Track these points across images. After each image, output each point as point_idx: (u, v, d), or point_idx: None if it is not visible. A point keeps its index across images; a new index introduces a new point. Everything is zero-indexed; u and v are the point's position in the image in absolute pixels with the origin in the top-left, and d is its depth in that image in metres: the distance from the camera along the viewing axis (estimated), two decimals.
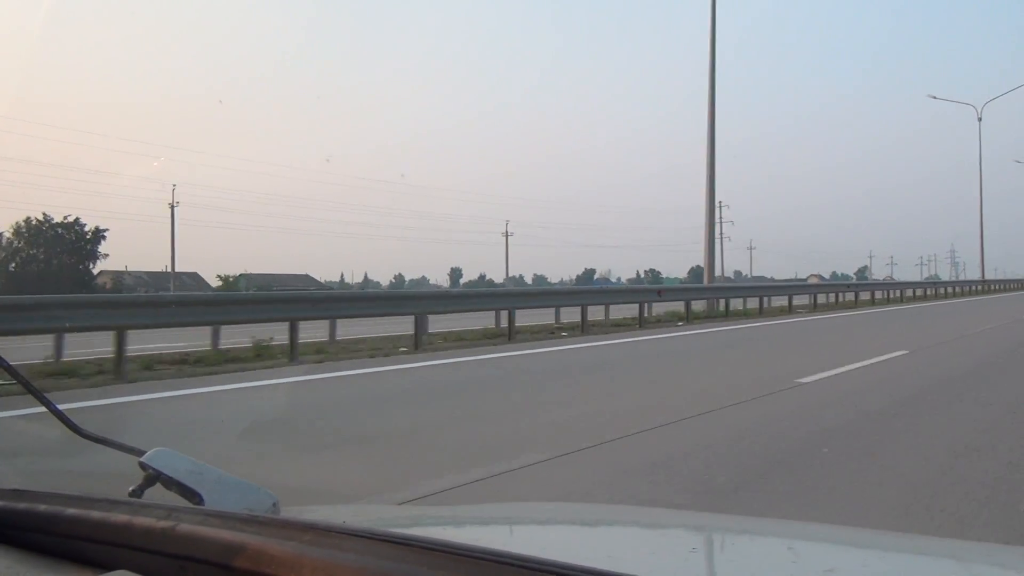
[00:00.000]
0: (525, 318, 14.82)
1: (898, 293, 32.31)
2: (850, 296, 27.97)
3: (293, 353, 9.92)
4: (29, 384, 1.04)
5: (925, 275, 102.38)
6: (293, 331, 10.04)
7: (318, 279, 71.31)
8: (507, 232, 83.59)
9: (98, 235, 50.23)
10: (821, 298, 25.32)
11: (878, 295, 30.34)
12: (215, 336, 11.87)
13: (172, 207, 53.80)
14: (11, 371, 1.07)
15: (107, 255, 51.57)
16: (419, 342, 11.48)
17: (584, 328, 14.65)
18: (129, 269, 58.92)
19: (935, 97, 51.52)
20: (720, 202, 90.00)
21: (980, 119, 47.80)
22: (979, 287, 44.58)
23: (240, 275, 59.84)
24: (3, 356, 1.05)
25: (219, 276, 57.38)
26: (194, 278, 62.64)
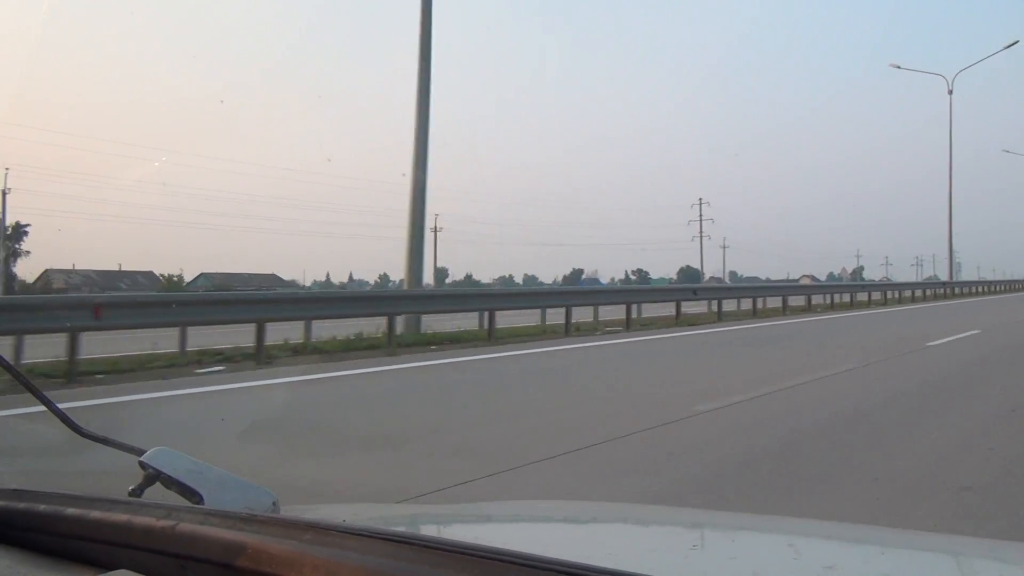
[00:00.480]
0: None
1: (877, 295, 29.15)
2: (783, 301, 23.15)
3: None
4: (29, 383, 1.04)
5: (922, 275, 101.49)
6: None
7: (284, 278, 68.32)
8: (436, 228, 75.72)
9: (19, 231, 47.59)
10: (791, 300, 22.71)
11: (823, 299, 26.24)
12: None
13: (3, 192, 47.13)
14: (11, 370, 1.07)
15: (29, 252, 48.84)
16: None
17: (259, 357, 9.68)
18: (77, 267, 56.25)
19: (899, 67, 44.71)
20: (700, 199, 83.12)
21: (951, 91, 41.79)
22: (945, 291, 37.28)
23: (199, 275, 58.36)
24: (2, 355, 1.05)
25: (162, 276, 54.08)
26: (148, 277, 60.33)
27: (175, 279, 52.11)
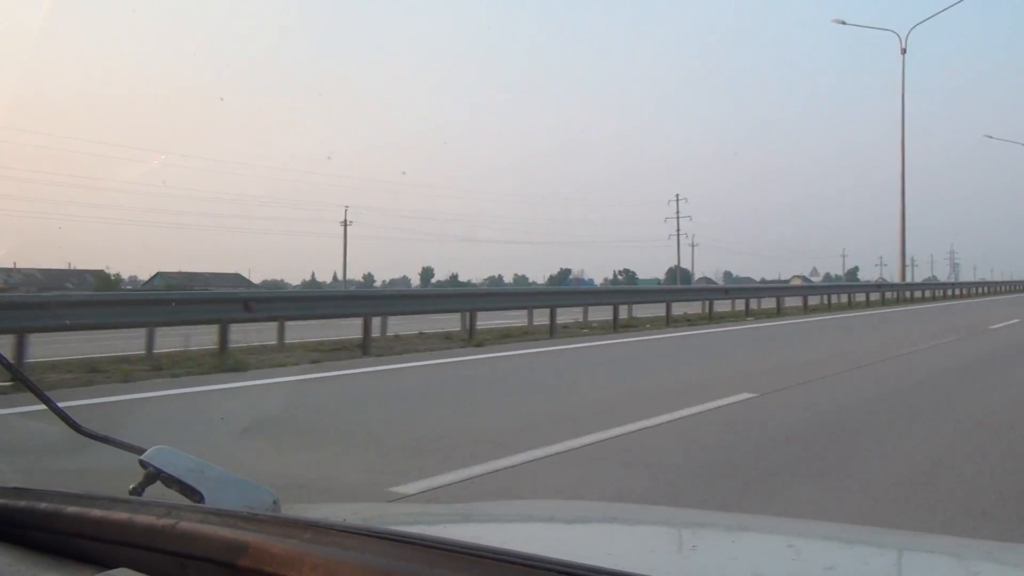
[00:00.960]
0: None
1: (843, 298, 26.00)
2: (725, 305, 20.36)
3: None
4: (29, 381, 1.04)
5: (919, 276, 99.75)
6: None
7: (248, 278, 64.45)
8: (346, 221, 65.07)
9: None
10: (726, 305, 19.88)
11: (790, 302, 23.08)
12: None
13: None
14: (11, 369, 1.08)
15: None
16: None
17: None
18: (18, 266, 51.41)
19: (844, 23, 38.57)
20: (677, 195, 78.29)
21: (904, 50, 35.85)
22: (894, 294, 30.31)
23: (156, 274, 56.58)
24: (2, 354, 1.05)
25: (94, 273, 50.84)
26: (99, 276, 56.31)
27: (112, 278, 49.60)
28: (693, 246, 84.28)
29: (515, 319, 16.39)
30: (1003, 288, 49.91)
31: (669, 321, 16.75)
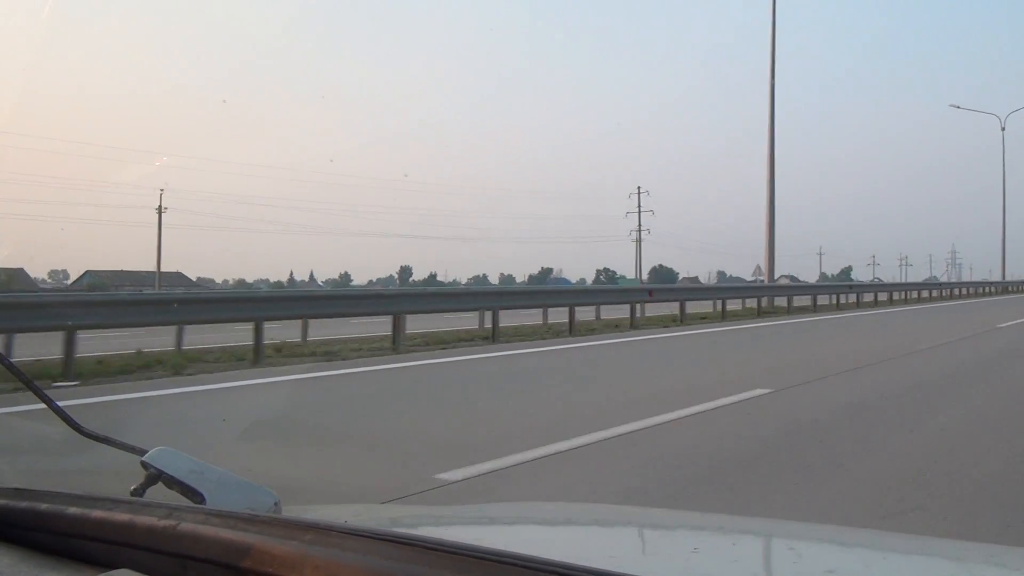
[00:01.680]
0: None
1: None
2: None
3: None
4: (30, 382, 1.04)
5: (907, 275, 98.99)
6: None
7: (191, 277, 61.01)
8: (161, 207, 53.64)
9: None
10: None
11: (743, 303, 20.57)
12: None
13: None
14: (12, 369, 1.07)
15: None
16: None
17: None
18: None
19: None
20: (639, 187, 73.18)
21: None
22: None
23: (85, 272, 56.82)
24: (3, 354, 1.05)
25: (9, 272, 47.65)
26: (19, 274, 50.04)
27: (5, 278, 47.92)
28: (638, 241, 74.36)
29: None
30: (958, 291, 37.48)
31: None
